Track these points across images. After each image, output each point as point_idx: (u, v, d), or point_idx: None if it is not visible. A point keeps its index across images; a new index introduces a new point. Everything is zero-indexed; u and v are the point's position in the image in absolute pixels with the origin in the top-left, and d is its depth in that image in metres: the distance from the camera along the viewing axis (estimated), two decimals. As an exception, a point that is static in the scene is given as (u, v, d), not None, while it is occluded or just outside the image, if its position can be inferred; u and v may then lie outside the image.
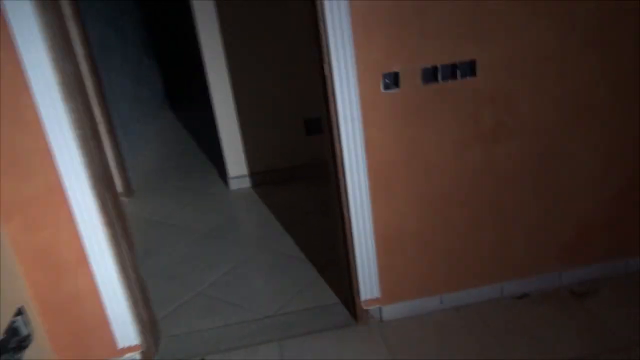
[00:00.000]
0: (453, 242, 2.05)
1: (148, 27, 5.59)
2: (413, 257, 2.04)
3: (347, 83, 1.77)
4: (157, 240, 3.04)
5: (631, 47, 1.89)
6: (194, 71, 4.63)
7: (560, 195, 2.05)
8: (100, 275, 1.86)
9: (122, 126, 4.04)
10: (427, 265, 2.07)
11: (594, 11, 1.82)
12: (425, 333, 2.03)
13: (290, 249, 2.75)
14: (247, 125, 3.46)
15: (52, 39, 1.64)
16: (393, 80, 1.80)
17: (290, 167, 3.59)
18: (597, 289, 2.14)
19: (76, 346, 1.95)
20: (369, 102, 1.81)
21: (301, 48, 3.25)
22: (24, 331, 1.74)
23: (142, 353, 2.02)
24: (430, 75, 1.81)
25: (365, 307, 2.08)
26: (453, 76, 1.82)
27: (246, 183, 3.60)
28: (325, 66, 1.77)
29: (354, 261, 2.01)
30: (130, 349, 1.99)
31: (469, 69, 1.82)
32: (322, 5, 1.68)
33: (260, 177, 3.60)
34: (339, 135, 1.83)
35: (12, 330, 1.68)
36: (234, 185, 3.60)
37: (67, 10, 3.00)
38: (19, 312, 1.74)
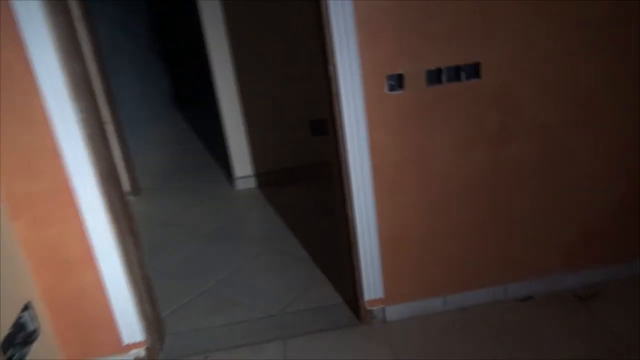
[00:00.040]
0: (457, 243, 2.05)
1: (156, 28, 5.63)
2: (417, 258, 2.05)
3: (351, 84, 1.78)
4: (164, 238, 3.07)
5: (636, 48, 1.89)
6: (201, 72, 4.67)
7: (565, 197, 2.05)
8: (107, 272, 1.88)
9: (130, 126, 4.08)
10: (431, 266, 2.07)
11: (597, 13, 1.82)
12: (429, 334, 2.03)
13: (295, 248, 2.77)
14: (253, 125, 3.48)
15: (61, 40, 1.67)
16: (398, 81, 1.80)
17: (296, 168, 3.60)
18: (601, 292, 2.13)
19: (82, 342, 1.97)
20: (373, 104, 1.82)
21: (307, 49, 3.26)
22: (30, 326, 1.76)
23: (147, 349, 2.04)
24: (435, 77, 1.81)
25: (368, 308, 2.09)
26: (457, 78, 1.82)
27: (252, 183, 3.62)
28: (330, 67, 1.78)
29: (358, 261, 2.02)
30: (135, 345, 2.00)
31: (474, 71, 1.82)
32: (327, 6, 1.69)
33: (265, 177, 3.61)
34: (343, 136, 1.84)
35: (19, 326, 1.71)
36: (239, 185, 3.62)
37: (76, 11, 3.04)
38: (26, 307, 1.76)
